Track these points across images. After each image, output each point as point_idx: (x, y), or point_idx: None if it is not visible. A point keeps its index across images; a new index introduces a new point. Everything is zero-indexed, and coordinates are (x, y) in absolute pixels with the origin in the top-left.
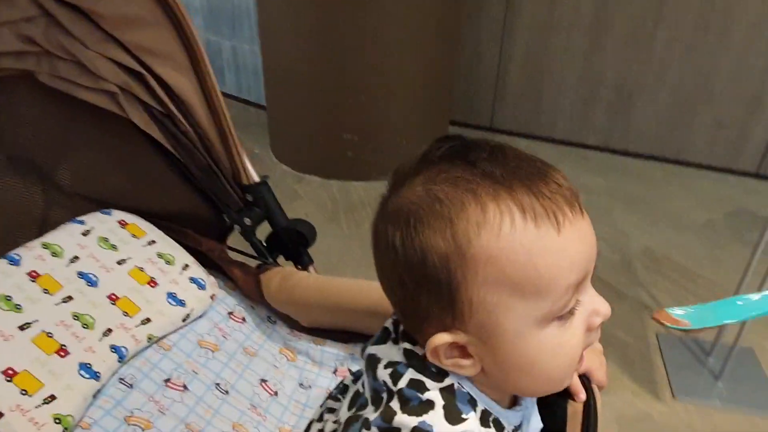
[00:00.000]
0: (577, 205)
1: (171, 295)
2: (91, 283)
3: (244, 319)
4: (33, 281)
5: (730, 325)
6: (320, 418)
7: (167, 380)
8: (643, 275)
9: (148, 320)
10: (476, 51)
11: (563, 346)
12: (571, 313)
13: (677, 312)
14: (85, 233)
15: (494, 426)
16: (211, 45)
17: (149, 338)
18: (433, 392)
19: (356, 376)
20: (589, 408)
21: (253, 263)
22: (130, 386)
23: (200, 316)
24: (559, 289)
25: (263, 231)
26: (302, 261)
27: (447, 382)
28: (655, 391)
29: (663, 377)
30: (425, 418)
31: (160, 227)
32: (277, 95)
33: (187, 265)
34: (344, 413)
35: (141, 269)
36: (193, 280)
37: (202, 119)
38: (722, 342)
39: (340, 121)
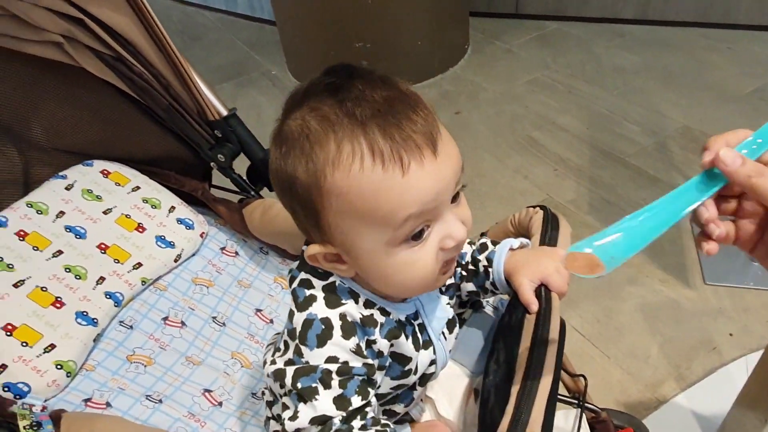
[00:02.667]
0: (431, 148)
1: (160, 238)
2: (80, 235)
3: (236, 253)
4: (22, 240)
5: None
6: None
7: (165, 318)
8: (679, 157)
9: (139, 265)
10: None
11: (415, 263)
12: (420, 236)
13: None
14: (69, 187)
15: (380, 311)
16: None
17: (143, 281)
18: (317, 289)
19: None
20: (539, 316)
21: (237, 199)
22: (130, 327)
23: (193, 255)
24: (400, 219)
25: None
26: None
27: (330, 280)
28: (685, 277)
29: (695, 262)
30: (310, 309)
31: (144, 172)
32: (284, 9)
33: (173, 207)
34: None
35: (128, 216)
36: (180, 221)
37: (153, 58)
38: None
39: (348, 29)
